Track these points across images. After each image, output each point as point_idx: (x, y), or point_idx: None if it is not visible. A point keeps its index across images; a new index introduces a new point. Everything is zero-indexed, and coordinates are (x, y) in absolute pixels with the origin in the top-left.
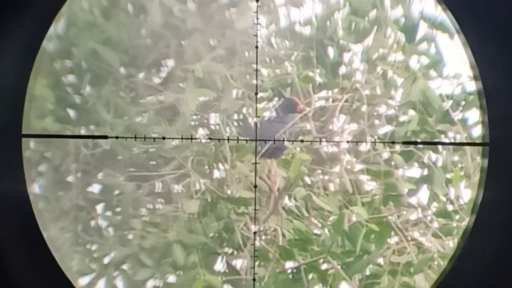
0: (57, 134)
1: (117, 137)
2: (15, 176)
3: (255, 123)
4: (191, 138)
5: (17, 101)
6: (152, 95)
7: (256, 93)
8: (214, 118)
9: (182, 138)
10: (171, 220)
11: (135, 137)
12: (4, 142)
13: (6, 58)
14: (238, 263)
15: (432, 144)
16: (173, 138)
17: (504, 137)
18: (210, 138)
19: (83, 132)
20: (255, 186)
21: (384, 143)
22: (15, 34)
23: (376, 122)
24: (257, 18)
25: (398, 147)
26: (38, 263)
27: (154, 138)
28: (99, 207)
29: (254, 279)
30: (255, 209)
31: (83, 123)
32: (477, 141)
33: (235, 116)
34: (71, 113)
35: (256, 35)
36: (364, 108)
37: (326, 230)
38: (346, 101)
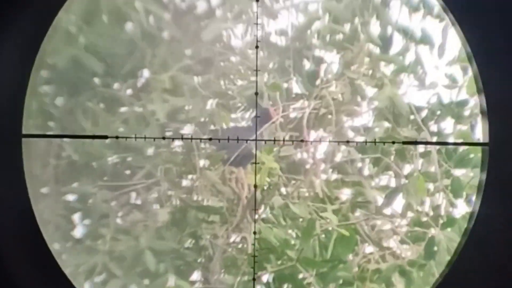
0: (57, 135)
1: (117, 137)
2: (15, 176)
3: (256, 121)
4: (192, 138)
5: (17, 101)
6: (128, 104)
7: (257, 93)
8: (186, 129)
9: (182, 138)
10: (141, 229)
11: (135, 137)
12: (4, 142)
13: (6, 58)
14: (209, 271)
15: (432, 144)
16: (174, 138)
17: (504, 137)
18: (210, 139)
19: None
20: (255, 186)
21: (384, 142)
22: (14, 34)
23: (346, 129)
24: (257, 18)
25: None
26: (38, 263)
27: (154, 138)
28: (76, 217)
29: (254, 279)
30: (255, 209)
31: (62, 131)
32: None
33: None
34: (50, 123)
35: (256, 35)
36: (331, 115)
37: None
38: (315, 108)
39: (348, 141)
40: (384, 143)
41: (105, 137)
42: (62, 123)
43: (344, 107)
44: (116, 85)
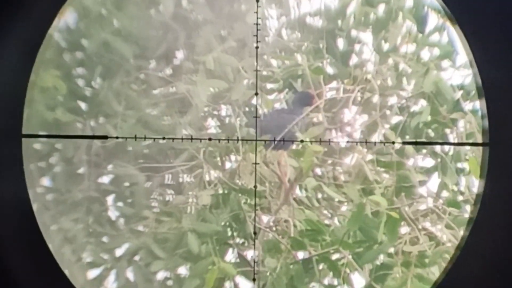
0: (58, 135)
1: (117, 137)
2: (16, 177)
3: (256, 122)
4: (191, 138)
5: (17, 101)
6: (163, 86)
7: (256, 93)
8: (225, 110)
9: (182, 138)
10: (183, 211)
11: (135, 137)
12: (4, 142)
13: (5, 58)
14: (249, 254)
15: (431, 144)
16: (174, 138)
17: (504, 137)
18: (210, 139)
19: (92, 124)
20: (255, 187)
21: (384, 143)
22: (14, 34)
23: (388, 113)
24: (258, 18)
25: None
26: (38, 264)
27: (154, 138)
28: (110, 198)
29: (254, 279)
30: (255, 210)
31: (94, 115)
32: (477, 142)
33: (246, 108)
34: (82, 105)
35: (257, 35)
36: (375, 99)
37: (336, 220)
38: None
39: (348, 141)
40: (384, 143)
41: (105, 137)
42: (92, 106)
43: (388, 91)
44: (151, 67)
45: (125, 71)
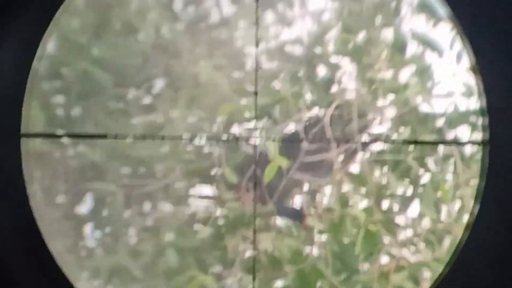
0: (57, 134)
1: (115, 137)
2: (15, 176)
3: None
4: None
5: (16, 100)
6: (142, 115)
7: (256, 93)
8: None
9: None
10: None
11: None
12: (3, 142)
13: (5, 57)
14: (228, 280)
15: (432, 143)
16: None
17: (504, 137)
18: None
19: (72, 153)
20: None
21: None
22: (13, 33)
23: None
24: (257, 18)
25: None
26: (38, 264)
27: (153, 138)
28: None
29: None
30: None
31: (73, 142)
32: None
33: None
34: (61, 133)
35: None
36: (354, 123)
37: (315, 249)
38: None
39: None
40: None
41: (104, 136)
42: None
43: (363, 113)
44: (129, 96)
45: (104, 99)
